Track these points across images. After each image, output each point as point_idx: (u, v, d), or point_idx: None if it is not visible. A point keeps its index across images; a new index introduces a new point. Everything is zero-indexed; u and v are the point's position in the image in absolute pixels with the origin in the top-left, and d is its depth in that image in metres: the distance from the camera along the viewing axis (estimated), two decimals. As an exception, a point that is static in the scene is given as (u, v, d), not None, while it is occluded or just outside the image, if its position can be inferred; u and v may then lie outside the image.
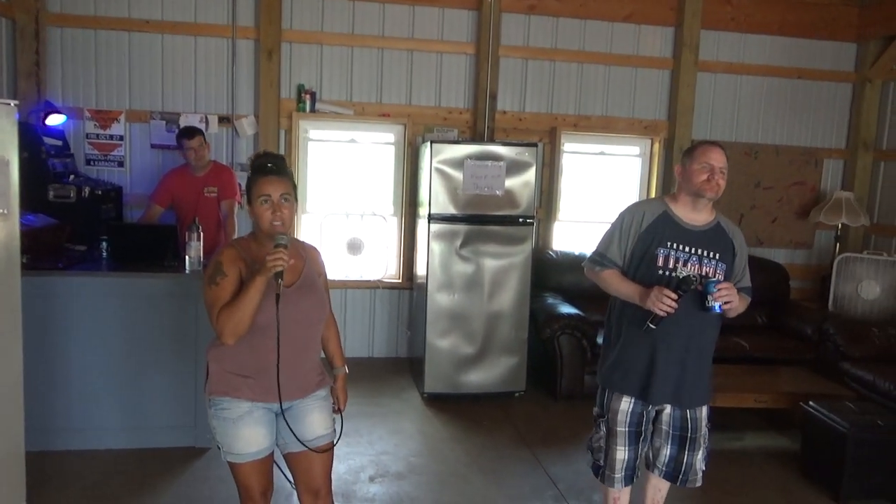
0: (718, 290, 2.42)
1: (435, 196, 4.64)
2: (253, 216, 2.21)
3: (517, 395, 4.87)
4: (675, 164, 5.87)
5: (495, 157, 4.66)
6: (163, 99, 5.19)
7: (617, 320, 2.71)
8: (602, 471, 2.74)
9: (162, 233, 4.17)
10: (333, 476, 3.26)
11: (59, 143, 4.76)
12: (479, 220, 4.70)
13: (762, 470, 3.90)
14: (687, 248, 2.56)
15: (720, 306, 2.44)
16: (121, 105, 5.14)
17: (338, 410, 2.48)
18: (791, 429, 4.25)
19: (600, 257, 2.68)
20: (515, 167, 4.70)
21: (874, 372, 4.44)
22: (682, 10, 5.63)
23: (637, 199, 5.37)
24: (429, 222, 4.67)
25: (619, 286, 2.61)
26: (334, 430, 2.38)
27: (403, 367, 5.49)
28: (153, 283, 3.69)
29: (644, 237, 2.58)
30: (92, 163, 5.13)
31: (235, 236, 4.57)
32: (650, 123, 5.85)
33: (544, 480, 3.65)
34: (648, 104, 5.85)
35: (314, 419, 2.31)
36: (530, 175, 4.73)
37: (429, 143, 4.69)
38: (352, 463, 3.73)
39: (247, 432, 2.21)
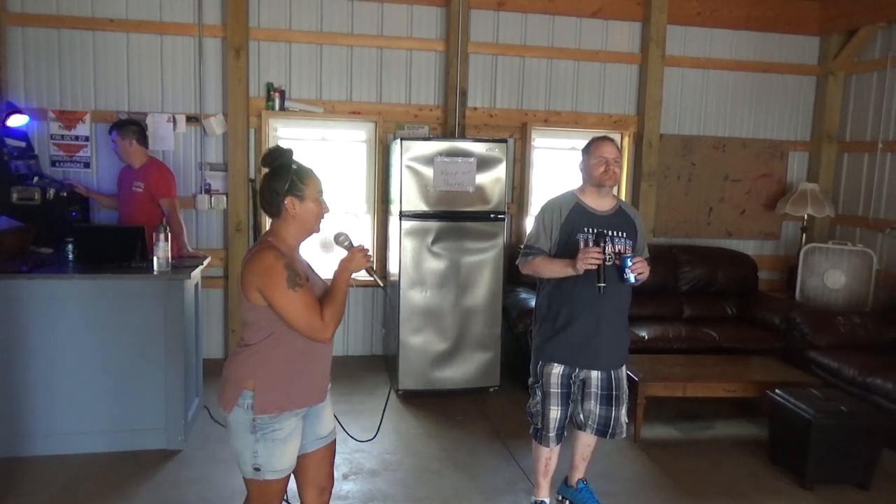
0: (633, 263, 2.81)
1: (406, 193, 4.64)
2: (300, 215, 2.22)
3: (491, 390, 4.89)
4: (644, 158, 5.97)
5: (465, 154, 4.68)
6: (129, 99, 5.12)
7: (548, 301, 3.07)
8: (540, 432, 3.10)
9: (129, 234, 4.11)
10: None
11: (23, 144, 4.67)
12: (451, 216, 4.71)
13: (731, 457, 3.97)
14: (600, 231, 2.96)
15: (635, 277, 2.84)
16: (86, 105, 5.06)
17: None
18: (760, 417, 4.34)
19: (530, 249, 3.07)
20: (486, 163, 4.71)
21: (839, 359, 4.54)
22: (649, 5, 5.68)
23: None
24: (400, 219, 4.67)
25: (551, 265, 2.98)
26: None
27: (379, 364, 5.48)
28: (121, 284, 3.65)
29: (565, 227, 3.00)
30: (57, 164, 5.04)
31: (184, 235, 4.50)
32: (619, 118, 5.90)
33: (517, 473, 3.68)
34: (617, 99, 5.90)
35: (328, 414, 2.36)
36: (501, 171, 4.75)
37: (399, 141, 4.68)
38: (326, 461, 3.73)
39: (292, 447, 2.20)
